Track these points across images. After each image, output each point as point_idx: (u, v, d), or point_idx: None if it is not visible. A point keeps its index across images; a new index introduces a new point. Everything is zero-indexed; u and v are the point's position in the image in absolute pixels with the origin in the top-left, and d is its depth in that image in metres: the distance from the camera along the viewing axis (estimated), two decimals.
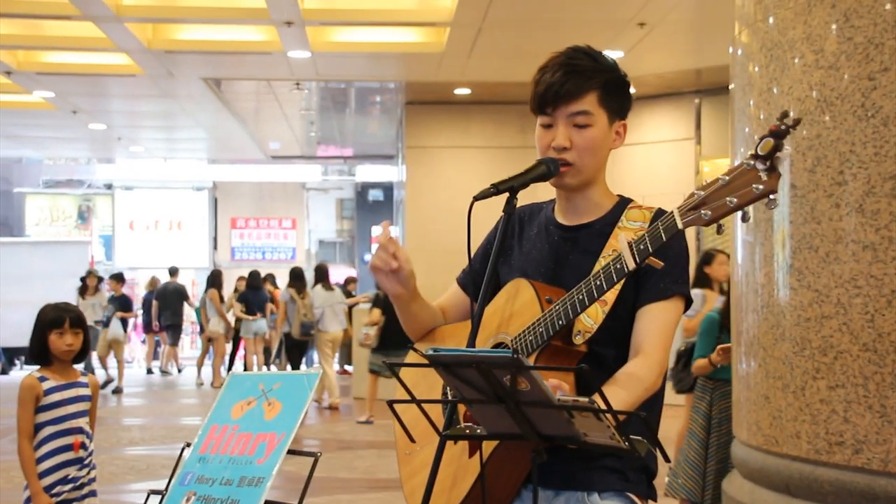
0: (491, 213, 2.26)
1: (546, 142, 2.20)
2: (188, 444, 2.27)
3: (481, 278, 2.28)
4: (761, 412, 3.35)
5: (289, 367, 11.90)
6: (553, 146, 2.18)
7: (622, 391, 2.03)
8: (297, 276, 12.16)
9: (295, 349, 12.07)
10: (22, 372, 16.68)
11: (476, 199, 2.07)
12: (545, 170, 2.17)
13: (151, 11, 9.51)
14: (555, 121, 2.19)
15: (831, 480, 3.04)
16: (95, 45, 10.42)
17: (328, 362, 11.84)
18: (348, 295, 16.27)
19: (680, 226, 1.85)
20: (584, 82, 2.16)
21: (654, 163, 11.38)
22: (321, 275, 11.98)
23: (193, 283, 24.92)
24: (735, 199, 1.79)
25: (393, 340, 10.06)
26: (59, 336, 4.04)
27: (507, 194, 2.14)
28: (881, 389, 2.93)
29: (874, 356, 2.94)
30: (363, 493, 6.98)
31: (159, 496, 2.20)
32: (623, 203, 2.27)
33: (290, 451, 2.14)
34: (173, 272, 16.76)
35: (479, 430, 2.00)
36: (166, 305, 16.35)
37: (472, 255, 2.34)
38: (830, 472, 3.05)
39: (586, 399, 1.75)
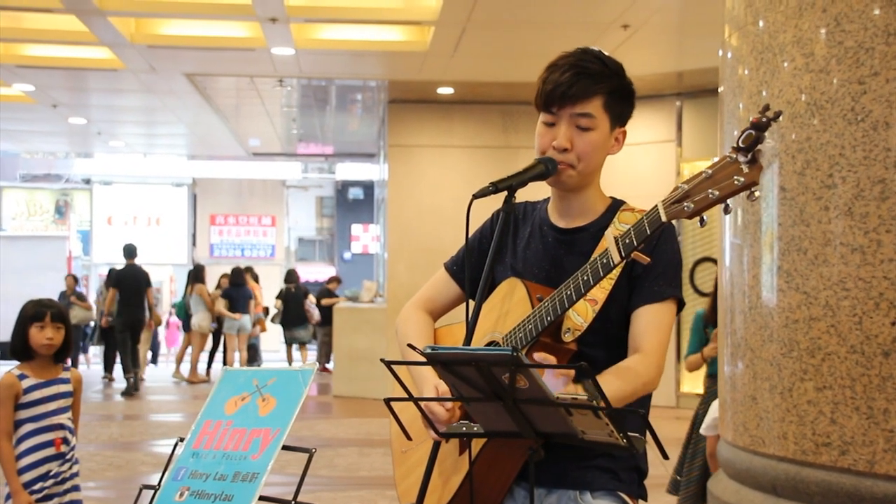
0: (481, 211, 2.26)
1: (547, 140, 2.21)
2: (181, 439, 2.26)
3: (477, 272, 2.29)
4: (748, 413, 3.37)
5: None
6: (554, 145, 2.19)
7: (618, 381, 2.04)
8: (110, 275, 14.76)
9: (108, 333, 14.38)
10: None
11: (475, 197, 2.08)
12: (543, 169, 2.19)
13: (134, 5, 9.44)
14: (558, 120, 2.20)
15: (817, 481, 3.06)
16: (77, 38, 10.35)
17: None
18: (329, 294, 16.41)
19: (664, 218, 1.86)
20: (591, 85, 2.18)
21: (635, 165, 11.41)
22: None
23: (171, 280, 24.80)
24: (717, 192, 1.81)
25: (289, 319, 15.93)
26: (39, 329, 4.00)
27: (505, 193, 2.16)
28: (868, 391, 2.96)
29: (861, 358, 2.97)
30: (345, 491, 6.97)
31: (152, 491, 2.19)
32: (616, 205, 2.29)
33: (284, 447, 2.13)
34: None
35: (475, 428, 2.01)
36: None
37: (467, 248, 2.35)
38: (817, 472, 3.07)
39: (584, 396, 1.76)
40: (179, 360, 15.40)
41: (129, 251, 13.86)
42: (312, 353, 18.50)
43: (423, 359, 1.85)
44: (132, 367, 13.17)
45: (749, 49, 3.47)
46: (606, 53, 2.27)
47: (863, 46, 3.05)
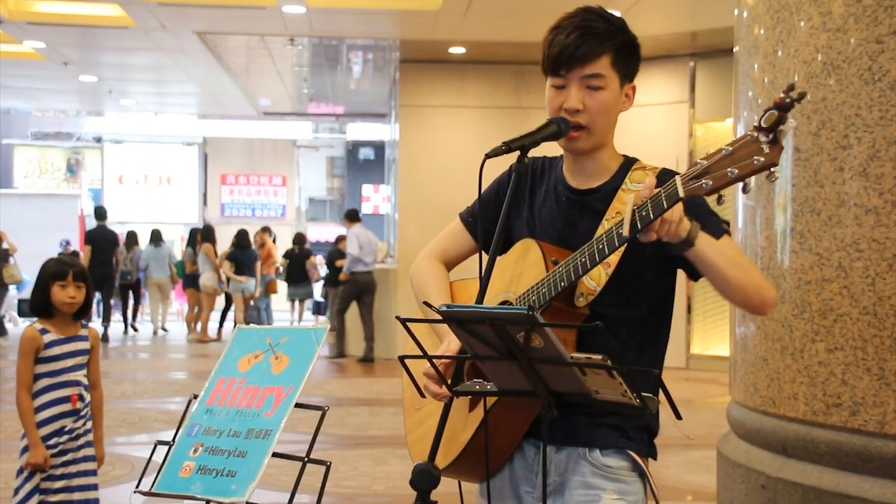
0: (493, 171, 2.26)
1: (558, 104, 2.19)
2: (195, 396, 2.27)
3: (492, 225, 2.27)
4: (759, 374, 3.37)
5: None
6: (565, 108, 2.17)
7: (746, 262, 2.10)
8: (129, 237, 16.55)
9: (122, 290, 16.15)
10: (9, 324, 16.64)
11: (488, 156, 2.07)
12: (556, 129, 2.17)
13: None
14: (567, 83, 2.18)
15: (828, 441, 3.07)
16: None
17: (154, 299, 16.66)
18: (341, 254, 16.45)
19: (681, 194, 1.86)
20: (598, 45, 2.15)
21: (648, 125, 11.35)
22: (153, 236, 16.48)
23: (182, 239, 24.86)
24: (736, 171, 1.81)
25: (294, 277, 17.09)
26: (61, 288, 4.01)
27: (517, 152, 2.14)
28: (880, 352, 2.95)
29: (874, 319, 2.96)
30: (355, 450, 7.02)
31: (166, 447, 2.21)
32: (628, 163, 2.27)
33: (297, 405, 2.15)
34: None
35: (489, 386, 2.01)
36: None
37: (481, 203, 2.35)
38: (827, 433, 3.08)
39: (599, 356, 1.76)
40: (189, 321, 15.46)
41: (100, 213, 14.95)
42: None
43: (438, 316, 1.86)
44: (104, 318, 14.69)
45: (765, 8, 3.43)
46: (609, 11, 2.24)
47: (881, 5, 3.01)
